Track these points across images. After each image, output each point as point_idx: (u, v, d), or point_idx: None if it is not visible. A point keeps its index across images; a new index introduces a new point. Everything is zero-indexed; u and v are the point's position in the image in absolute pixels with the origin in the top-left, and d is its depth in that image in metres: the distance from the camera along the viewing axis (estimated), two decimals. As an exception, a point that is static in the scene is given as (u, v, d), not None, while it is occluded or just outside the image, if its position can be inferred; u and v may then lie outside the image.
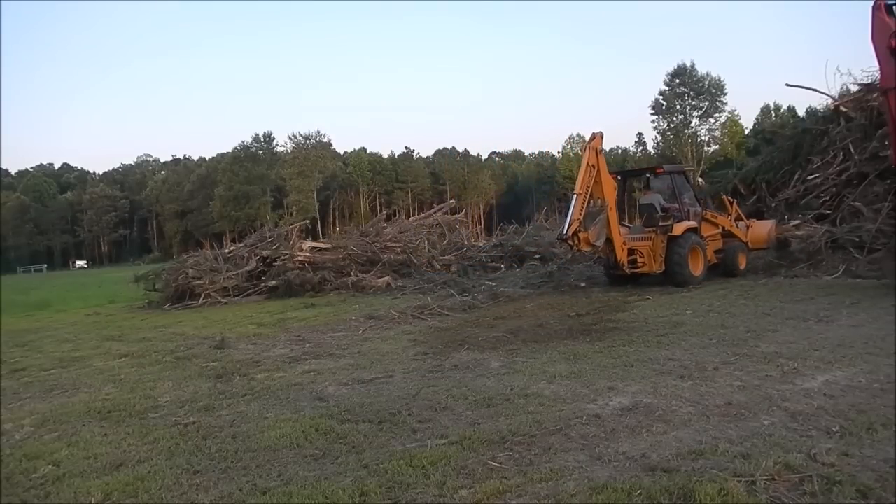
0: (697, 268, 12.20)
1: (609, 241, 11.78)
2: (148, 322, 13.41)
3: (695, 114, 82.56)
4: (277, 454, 4.41)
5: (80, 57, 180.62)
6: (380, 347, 8.30)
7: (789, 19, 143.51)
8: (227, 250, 18.99)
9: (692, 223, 12.40)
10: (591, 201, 11.59)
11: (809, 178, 14.90)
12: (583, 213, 11.26)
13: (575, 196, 11.47)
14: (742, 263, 13.10)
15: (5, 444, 5.12)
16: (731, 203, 13.96)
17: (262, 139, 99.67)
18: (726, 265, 12.97)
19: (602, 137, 12.05)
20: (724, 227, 13.30)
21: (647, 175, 13.45)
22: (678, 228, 12.01)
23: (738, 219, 13.82)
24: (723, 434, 4.11)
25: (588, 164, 11.60)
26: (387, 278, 16.23)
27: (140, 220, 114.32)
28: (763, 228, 13.72)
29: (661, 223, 12.19)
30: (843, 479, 3.30)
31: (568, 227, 11.26)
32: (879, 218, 12.18)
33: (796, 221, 14.69)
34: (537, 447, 4.14)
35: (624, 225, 12.89)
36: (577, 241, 11.32)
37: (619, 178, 13.34)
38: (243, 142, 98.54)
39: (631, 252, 12.22)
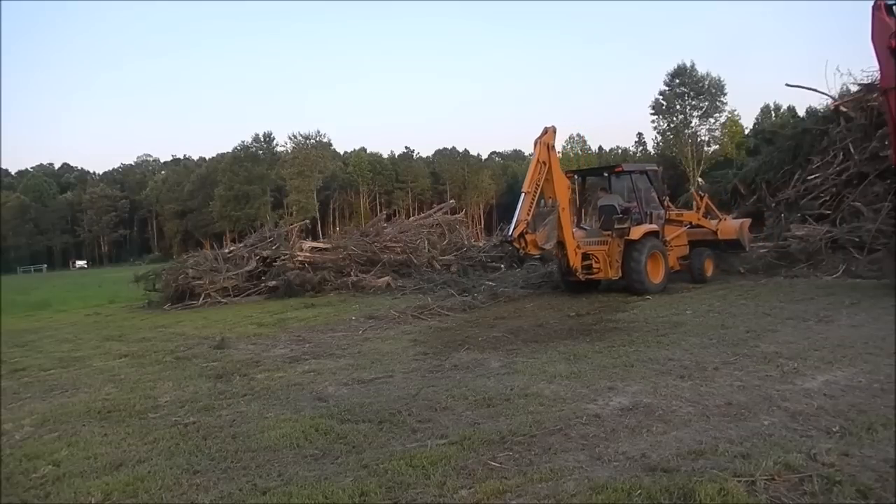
0: (657, 275, 11.55)
1: (561, 244, 11.10)
2: (148, 322, 13.40)
3: (695, 114, 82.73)
4: (277, 454, 4.41)
5: (80, 57, 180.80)
6: (380, 347, 8.30)
7: (789, 19, 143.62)
8: (227, 250, 18.97)
9: (652, 226, 11.74)
10: (543, 201, 10.92)
11: (809, 178, 14.90)
12: (531, 214, 10.58)
13: (522, 195, 10.74)
14: (709, 270, 12.59)
15: (5, 444, 5.12)
16: (702, 198, 13.64)
17: (262, 139, 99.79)
18: (692, 272, 12.43)
19: (555, 132, 11.38)
20: (691, 222, 12.84)
21: (605, 174, 12.85)
22: (636, 232, 11.30)
23: (709, 213, 13.42)
24: (723, 434, 4.12)
25: (538, 160, 10.91)
26: (387, 278, 16.21)
27: (140, 220, 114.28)
28: (735, 221, 13.48)
29: (616, 226, 11.47)
30: (843, 479, 3.31)
31: (514, 229, 10.51)
32: (879, 218, 12.18)
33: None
34: (537, 447, 4.14)
35: (582, 227, 12.38)
36: (523, 244, 10.57)
37: (576, 176, 12.83)
38: (243, 142, 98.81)
39: (586, 257, 11.54)
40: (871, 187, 13.41)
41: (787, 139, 17.50)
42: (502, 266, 17.57)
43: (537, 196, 10.75)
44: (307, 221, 30.55)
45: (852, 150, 14.21)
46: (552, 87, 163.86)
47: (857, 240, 12.40)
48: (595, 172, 13.89)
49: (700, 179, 29.90)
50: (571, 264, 11.32)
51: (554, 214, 10.80)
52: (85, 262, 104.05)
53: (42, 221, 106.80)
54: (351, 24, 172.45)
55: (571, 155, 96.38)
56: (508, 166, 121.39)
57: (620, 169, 12.49)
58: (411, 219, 23.31)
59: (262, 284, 16.75)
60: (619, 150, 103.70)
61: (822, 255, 12.61)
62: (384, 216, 23.61)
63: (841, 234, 12.82)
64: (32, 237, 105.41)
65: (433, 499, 3.50)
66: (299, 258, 16.94)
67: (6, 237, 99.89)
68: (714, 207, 13.88)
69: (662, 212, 12.35)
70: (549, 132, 11.25)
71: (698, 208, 13.32)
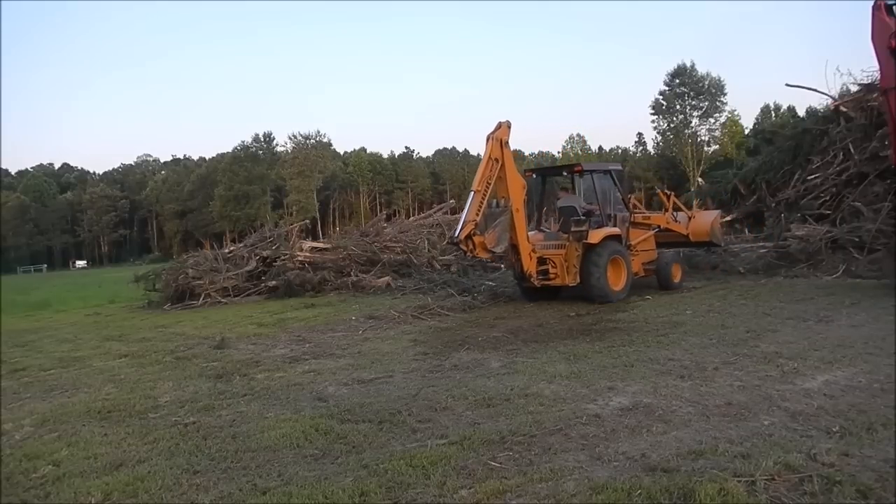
0: (618, 281, 10.89)
1: (515, 247, 10.48)
2: (148, 322, 13.40)
3: (695, 114, 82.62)
4: (277, 454, 4.41)
5: (80, 57, 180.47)
6: (380, 347, 8.30)
7: (789, 19, 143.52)
8: (227, 250, 18.98)
9: (614, 230, 11.06)
10: (496, 201, 10.31)
11: (809, 178, 14.91)
12: (480, 214, 9.89)
13: (472, 194, 10.07)
14: (677, 275, 11.95)
15: (5, 444, 5.12)
16: (668, 196, 12.95)
17: (262, 139, 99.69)
18: (659, 278, 11.83)
19: (509, 127, 10.62)
20: (659, 226, 12.24)
21: (564, 174, 12.01)
22: (595, 236, 10.58)
23: (678, 210, 12.86)
24: (723, 434, 4.12)
25: (490, 157, 10.20)
26: (387, 278, 16.21)
27: (140, 220, 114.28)
28: (706, 218, 12.83)
29: (573, 229, 10.74)
30: (843, 479, 3.31)
31: (460, 230, 9.83)
32: (879, 218, 12.19)
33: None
34: (537, 447, 4.14)
35: (542, 230, 11.76)
36: (471, 246, 9.88)
37: (535, 175, 12.24)
38: (243, 142, 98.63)
39: (543, 261, 10.84)
40: (871, 187, 13.42)
41: (787, 139, 17.52)
42: (502, 266, 17.54)
43: (488, 196, 10.16)
44: (307, 221, 30.54)
45: (852, 150, 14.22)
46: (552, 86, 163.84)
47: (857, 240, 12.41)
48: (555, 171, 12.97)
49: (700, 179, 29.90)
50: (525, 269, 10.62)
51: (506, 216, 10.18)
52: (85, 262, 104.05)
53: (42, 221, 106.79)
54: (351, 25, 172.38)
55: (571, 155, 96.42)
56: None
57: (580, 169, 11.67)
58: (411, 219, 23.32)
59: (262, 284, 16.75)
60: (619, 150, 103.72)
61: (822, 255, 12.62)
62: (384, 216, 23.63)
63: (841, 234, 12.82)
64: (32, 237, 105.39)
65: (433, 499, 3.50)
66: (299, 258, 16.94)
67: (6, 237, 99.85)
68: (681, 205, 13.33)
69: (627, 214, 11.67)
70: (504, 127, 10.59)
71: (666, 209, 12.70)
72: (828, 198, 14.34)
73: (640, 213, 12.40)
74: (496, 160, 10.28)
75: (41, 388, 7.29)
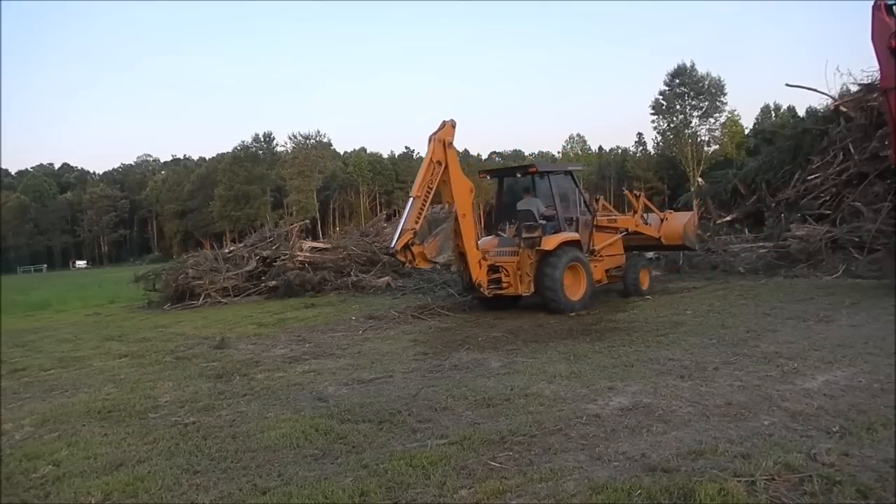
0: (577, 291, 10.13)
1: (463, 255, 9.87)
2: (148, 322, 13.40)
3: (695, 114, 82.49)
4: (277, 454, 4.41)
5: (80, 57, 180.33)
6: (380, 347, 8.31)
7: (789, 19, 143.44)
8: (227, 250, 18.98)
9: (572, 235, 10.30)
10: (441, 207, 9.76)
11: (809, 178, 14.92)
12: (420, 222, 9.30)
13: (411, 200, 9.42)
14: (645, 282, 11.39)
15: (5, 444, 5.12)
16: (637, 197, 12.26)
17: (262, 139, 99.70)
18: (625, 285, 11.30)
19: (453, 127, 9.92)
20: (627, 229, 11.61)
21: (519, 175, 11.17)
22: (550, 242, 9.86)
23: (649, 211, 12.34)
24: (723, 434, 4.12)
25: (432, 160, 9.54)
26: (387, 278, 16.22)
27: (140, 220, 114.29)
28: (679, 220, 12.34)
29: (525, 235, 10.06)
30: (843, 479, 3.31)
31: (397, 239, 9.24)
32: (879, 218, 12.19)
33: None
34: (537, 447, 4.14)
35: (499, 234, 11.07)
36: (409, 256, 9.32)
37: (489, 177, 11.63)
38: (243, 142, 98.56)
39: (495, 269, 10.18)
40: (871, 187, 13.42)
41: (787, 139, 17.51)
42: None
43: (429, 201, 9.52)
44: (307, 221, 30.54)
45: (852, 150, 14.22)
46: (552, 86, 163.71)
47: (857, 240, 12.42)
48: (510, 173, 11.79)
49: (700, 179, 29.87)
50: (475, 279, 9.90)
51: (448, 223, 9.58)
52: (85, 262, 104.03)
53: (42, 221, 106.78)
54: (351, 25, 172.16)
55: (571, 155, 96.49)
56: (508, 166, 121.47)
57: (535, 170, 10.82)
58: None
59: (262, 284, 16.76)
60: (619, 150, 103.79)
61: (822, 255, 12.62)
62: (384, 216, 23.64)
63: (841, 234, 12.83)
64: (32, 237, 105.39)
65: (433, 499, 3.50)
66: (299, 258, 16.95)
67: (6, 237, 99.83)
68: (653, 206, 12.96)
69: (589, 217, 10.96)
70: (448, 127, 9.88)
71: (635, 211, 12.03)
72: (828, 198, 14.35)
73: (605, 215, 11.75)
74: (438, 163, 9.63)
75: (41, 388, 7.29)
